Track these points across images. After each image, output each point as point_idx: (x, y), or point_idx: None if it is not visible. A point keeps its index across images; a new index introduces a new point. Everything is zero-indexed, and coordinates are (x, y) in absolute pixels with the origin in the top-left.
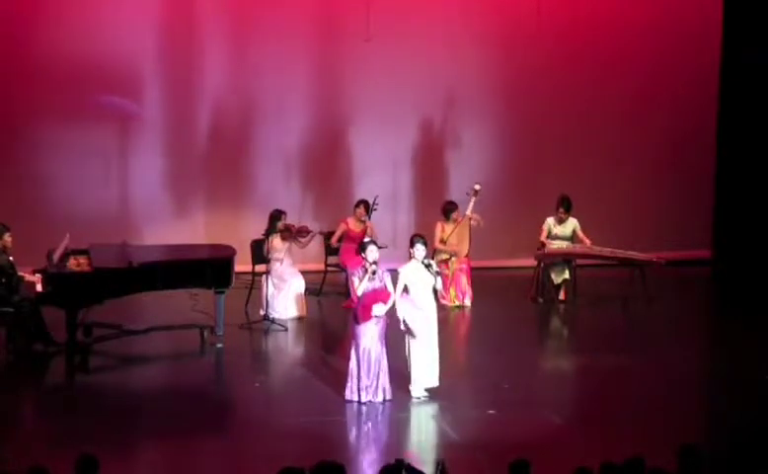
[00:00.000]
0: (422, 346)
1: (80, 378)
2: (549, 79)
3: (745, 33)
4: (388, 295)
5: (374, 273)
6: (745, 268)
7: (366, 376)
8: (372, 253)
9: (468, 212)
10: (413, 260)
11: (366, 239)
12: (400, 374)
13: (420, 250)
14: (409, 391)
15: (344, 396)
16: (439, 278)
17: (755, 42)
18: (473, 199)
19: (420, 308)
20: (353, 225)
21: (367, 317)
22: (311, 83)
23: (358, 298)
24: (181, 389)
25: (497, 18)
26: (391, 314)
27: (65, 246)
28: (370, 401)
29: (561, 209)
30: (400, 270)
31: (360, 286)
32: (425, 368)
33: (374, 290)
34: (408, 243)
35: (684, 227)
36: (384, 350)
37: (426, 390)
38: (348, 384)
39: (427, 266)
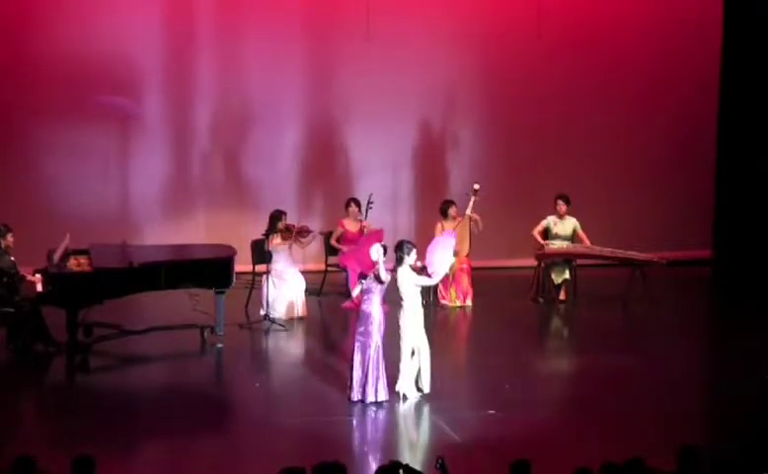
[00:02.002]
0: (408, 349)
1: (80, 378)
2: (549, 79)
3: (745, 33)
4: (381, 234)
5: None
6: (745, 268)
7: (366, 375)
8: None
9: (468, 212)
10: (405, 265)
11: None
12: (396, 371)
13: (413, 255)
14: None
15: (344, 396)
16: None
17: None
18: (473, 199)
19: (413, 314)
20: (350, 225)
21: (370, 264)
22: (311, 83)
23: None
24: (181, 389)
25: (497, 18)
26: (389, 319)
27: (65, 246)
28: (371, 400)
29: (560, 202)
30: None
31: (356, 289)
32: (410, 372)
33: (369, 235)
34: (394, 247)
35: (684, 227)
36: (381, 348)
37: (419, 391)
38: (349, 383)
39: (422, 267)
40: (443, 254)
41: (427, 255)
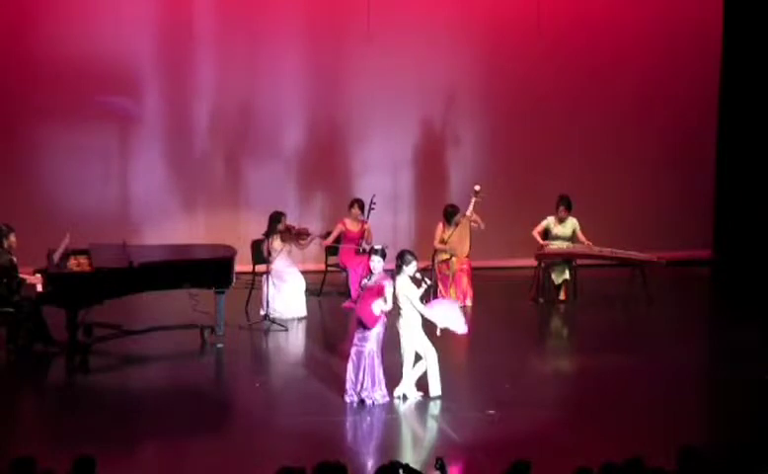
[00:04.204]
0: (409, 355)
1: (80, 378)
2: (549, 79)
3: (745, 33)
4: (382, 288)
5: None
6: (745, 268)
7: (360, 379)
8: (377, 263)
9: (468, 213)
10: (403, 274)
11: (377, 246)
12: (398, 375)
13: (413, 266)
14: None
15: (343, 396)
16: (422, 291)
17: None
18: (473, 200)
19: (411, 321)
20: (351, 226)
21: (374, 320)
22: (311, 83)
23: (354, 301)
24: (181, 389)
25: (497, 18)
26: (389, 324)
27: (65, 246)
28: (370, 401)
29: (561, 207)
30: (393, 283)
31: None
32: (412, 377)
33: (368, 289)
34: (396, 256)
35: (684, 227)
36: (380, 351)
37: (419, 392)
38: (347, 385)
39: (421, 279)
40: (447, 314)
41: (441, 301)
